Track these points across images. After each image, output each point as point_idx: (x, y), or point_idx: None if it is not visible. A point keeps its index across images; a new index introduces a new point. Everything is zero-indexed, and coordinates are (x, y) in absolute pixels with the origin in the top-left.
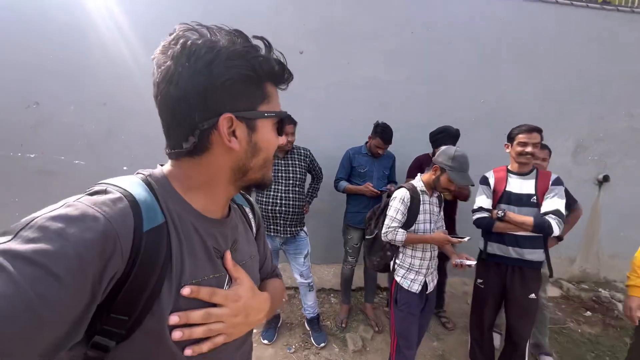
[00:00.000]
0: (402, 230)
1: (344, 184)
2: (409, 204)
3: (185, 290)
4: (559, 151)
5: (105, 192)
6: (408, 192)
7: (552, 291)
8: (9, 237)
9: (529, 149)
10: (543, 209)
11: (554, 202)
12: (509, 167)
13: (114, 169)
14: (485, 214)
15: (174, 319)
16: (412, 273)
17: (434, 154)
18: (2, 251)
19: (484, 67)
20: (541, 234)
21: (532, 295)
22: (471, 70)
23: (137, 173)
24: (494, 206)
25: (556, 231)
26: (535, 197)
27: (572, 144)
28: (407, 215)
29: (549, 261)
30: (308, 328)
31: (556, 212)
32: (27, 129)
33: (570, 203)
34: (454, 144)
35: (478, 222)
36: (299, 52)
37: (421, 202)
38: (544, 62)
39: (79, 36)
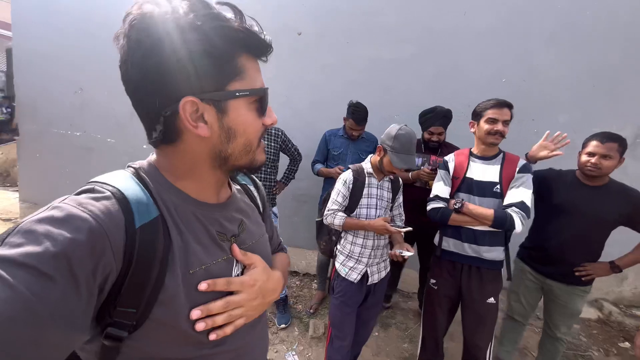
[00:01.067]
0: (342, 214)
1: (318, 166)
2: (351, 186)
3: (202, 286)
4: None
5: (92, 190)
6: (352, 173)
7: (586, 312)
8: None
9: (499, 126)
10: (506, 201)
11: (518, 193)
12: (472, 150)
13: (137, 146)
14: (441, 204)
15: (196, 313)
16: (351, 261)
17: (422, 137)
18: None
19: (509, 38)
20: (501, 230)
21: (491, 300)
22: (491, 43)
23: (128, 166)
24: (453, 195)
25: (518, 227)
26: (499, 186)
27: (630, 133)
28: (350, 198)
29: (508, 261)
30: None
31: (520, 205)
32: (75, 111)
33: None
34: (444, 125)
35: (432, 213)
36: (297, 34)
37: (366, 186)
38: (590, 30)
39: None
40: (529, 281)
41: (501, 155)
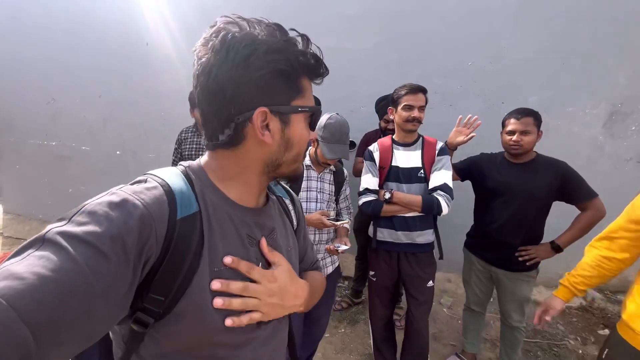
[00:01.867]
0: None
1: None
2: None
3: (227, 259)
4: (585, 121)
5: (145, 181)
6: None
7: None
8: (65, 222)
9: (414, 113)
10: (430, 184)
11: (440, 176)
12: (394, 138)
13: (110, 153)
14: (371, 197)
15: (216, 284)
16: None
17: (379, 126)
18: (59, 233)
19: (473, 20)
20: (430, 214)
21: (430, 283)
22: (455, 26)
23: (179, 165)
24: (381, 185)
25: (445, 210)
26: (422, 171)
27: (605, 111)
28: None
29: (439, 241)
30: None
31: (444, 187)
32: (49, 121)
33: (584, 195)
34: None
35: (364, 207)
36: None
37: (305, 179)
38: (556, 5)
39: (79, 36)
40: (478, 271)
41: (420, 139)
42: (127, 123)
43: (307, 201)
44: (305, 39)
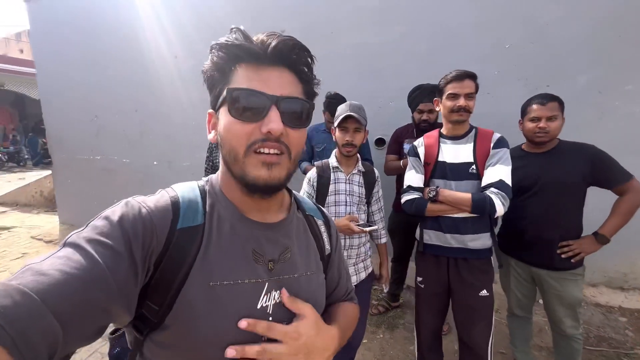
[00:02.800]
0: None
1: (304, 164)
2: (315, 184)
3: (242, 324)
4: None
5: (158, 193)
6: (315, 171)
7: (626, 300)
8: (83, 227)
9: (460, 101)
10: (483, 182)
11: (496, 171)
12: (441, 131)
13: (148, 163)
14: (415, 195)
15: (230, 352)
16: None
17: (413, 120)
18: (78, 236)
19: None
20: (483, 215)
21: (484, 292)
22: (488, 7)
23: (202, 179)
24: (427, 182)
25: (500, 210)
26: (474, 167)
27: None
28: (316, 196)
29: (496, 247)
30: None
31: (499, 184)
32: (93, 137)
33: (618, 177)
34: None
35: (406, 206)
36: (281, 32)
37: (332, 182)
38: None
39: (116, 55)
40: (517, 274)
41: (473, 131)
42: (161, 134)
43: (335, 205)
44: (234, 29)
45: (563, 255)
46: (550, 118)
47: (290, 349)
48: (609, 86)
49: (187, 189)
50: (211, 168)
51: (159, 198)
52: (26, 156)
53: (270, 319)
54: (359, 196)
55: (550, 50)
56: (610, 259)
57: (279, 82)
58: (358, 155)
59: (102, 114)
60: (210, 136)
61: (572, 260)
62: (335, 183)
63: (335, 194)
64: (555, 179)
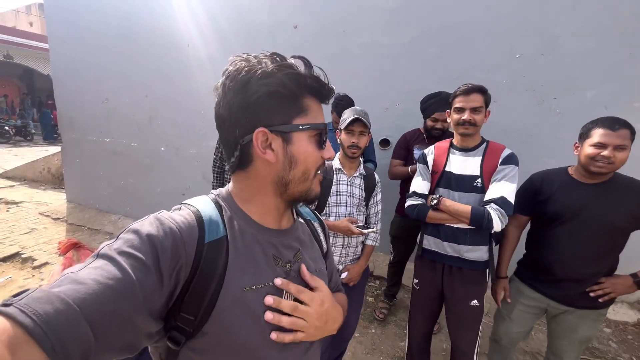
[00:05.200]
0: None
1: None
2: None
3: (277, 281)
4: None
5: (179, 209)
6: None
7: (624, 314)
8: (114, 239)
9: (465, 115)
10: (486, 196)
11: (499, 187)
12: (452, 141)
13: (155, 149)
14: (418, 201)
15: (268, 300)
16: None
17: (425, 126)
18: (110, 248)
19: (523, 8)
20: (480, 228)
21: (475, 302)
22: (501, 16)
23: (210, 193)
24: (433, 190)
25: (497, 226)
26: (480, 180)
27: None
28: (319, 197)
29: (492, 262)
30: None
31: (500, 201)
32: (103, 120)
33: None
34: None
35: (409, 210)
36: (293, 27)
37: (335, 183)
38: None
39: (129, 40)
40: (525, 305)
41: (484, 145)
42: (170, 121)
43: (336, 205)
44: (306, 62)
45: (592, 294)
46: (619, 147)
47: (315, 313)
48: (616, 102)
49: (204, 204)
50: (220, 160)
51: (184, 214)
52: (33, 130)
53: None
54: (359, 198)
55: (561, 63)
56: None
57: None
58: (361, 159)
59: (113, 98)
60: (269, 156)
61: (600, 300)
62: (337, 184)
63: (337, 195)
64: (601, 217)
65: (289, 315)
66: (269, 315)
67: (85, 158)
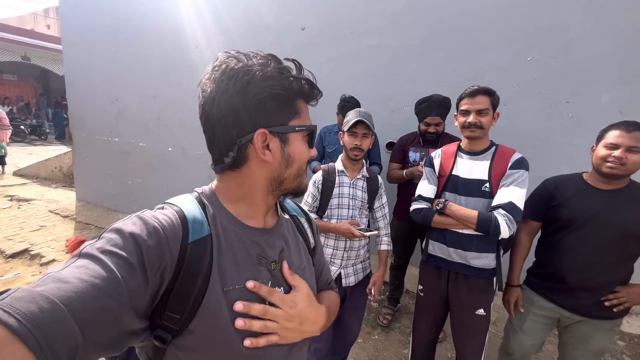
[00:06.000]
0: (312, 215)
1: (314, 164)
2: (320, 186)
3: (249, 284)
4: None
5: (163, 208)
6: (321, 173)
7: (627, 325)
8: (96, 239)
9: (470, 118)
10: (494, 201)
11: (508, 192)
12: (460, 144)
13: (163, 149)
14: (423, 205)
15: (238, 306)
16: None
17: (419, 129)
18: (93, 247)
19: (534, 10)
20: (487, 234)
21: (480, 311)
22: (511, 18)
23: (194, 191)
24: (439, 194)
25: (505, 232)
26: (488, 185)
27: None
28: (320, 199)
29: (499, 270)
30: None
31: (508, 206)
32: (113, 119)
33: None
34: (441, 115)
35: (413, 215)
36: (301, 29)
37: (337, 185)
38: None
39: (139, 42)
40: (537, 315)
41: (493, 149)
42: (178, 122)
43: (338, 208)
44: (298, 65)
45: (607, 303)
46: (632, 149)
47: (286, 315)
48: (632, 106)
49: (188, 203)
50: None
51: (167, 213)
52: (47, 130)
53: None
54: (362, 201)
55: (574, 66)
56: None
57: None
58: (363, 161)
59: (122, 98)
60: (267, 157)
61: (614, 310)
62: (339, 187)
63: (339, 197)
64: (617, 224)
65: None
66: (239, 323)
67: (95, 157)
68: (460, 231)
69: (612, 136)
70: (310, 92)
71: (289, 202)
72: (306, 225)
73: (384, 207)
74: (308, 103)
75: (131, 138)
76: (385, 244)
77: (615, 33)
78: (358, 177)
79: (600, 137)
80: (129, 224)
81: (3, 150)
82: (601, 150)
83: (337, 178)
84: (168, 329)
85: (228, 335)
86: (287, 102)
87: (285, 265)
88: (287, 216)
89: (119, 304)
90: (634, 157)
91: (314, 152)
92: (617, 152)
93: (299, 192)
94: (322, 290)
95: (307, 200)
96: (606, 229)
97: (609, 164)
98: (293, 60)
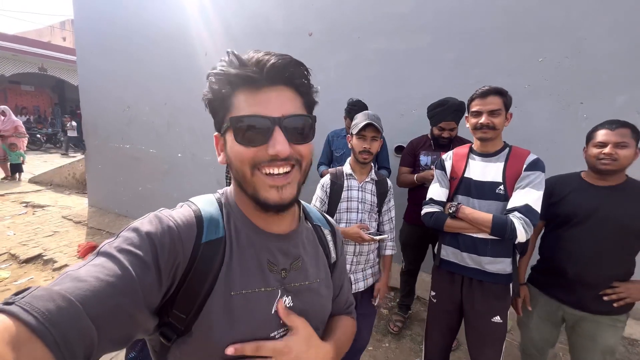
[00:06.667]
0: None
1: (322, 168)
2: (328, 190)
3: (229, 350)
4: None
5: (182, 207)
6: (329, 177)
7: (636, 329)
8: (114, 237)
9: (482, 119)
10: (509, 204)
11: (523, 195)
12: (472, 146)
13: (173, 155)
14: (435, 208)
15: (230, 350)
16: None
17: (431, 133)
18: (110, 246)
19: (545, 10)
20: (503, 238)
21: (497, 319)
22: (521, 19)
23: (216, 192)
24: (451, 198)
25: (521, 236)
26: (502, 187)
27: None
28: (329, 202)
29: (516, 276)
30: None
31: (524, 209)
32: (124, 126)
33: None
34: (456, 119)
35: (425, 219)
36: (308, 34)
37: (345, 189)
38: None
39: (150, 50)
40: (543, 311)
41: (507, 150)
42: (187, 128)
43: (347, 212)
44: (233, 54)
45: (606, 298)
46: (620, 144)
47: None
48: None
49: (207, 203)
50: None
51: (184, 212)
52: (62, 138)
53: (282, 321)
54: (371, 204)
55: (587, 66)
56: None
57: (279, 102)
58: (372, 164)
59: (134, 105)
60: (220, 159)
61: (614, 305)
62: (348, 190)
63: (348, 201)
64: (616, 218)
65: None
66: (229, 350)
67: (107, 163)
68: (475, 235)
69: (600, 135)
70: (246, 75)
71: (314, 211)
72: (329, 238)
73: (390, 211)
74: (253, 87)
75: (142, 144)
76: (390, 249)
77: (629, 31)
78: (367, 180)
79: (589, 138)
80: (146, 222)
81: (22, 158)
82: (592, 150)
83: (345, 182)
84: (173, 328)
85: (226, 343)
86: (222, 99)
87: (280, 305)
88: (309, 225)
89: (133, 302)
90: (623, 151)
91: (272, 149)
92: (607, 149)
93: (257, 202)
94: (340, 314)
95: (316, 205)
96: (604, 223)
97: (602, 161)
98: (231, 52)
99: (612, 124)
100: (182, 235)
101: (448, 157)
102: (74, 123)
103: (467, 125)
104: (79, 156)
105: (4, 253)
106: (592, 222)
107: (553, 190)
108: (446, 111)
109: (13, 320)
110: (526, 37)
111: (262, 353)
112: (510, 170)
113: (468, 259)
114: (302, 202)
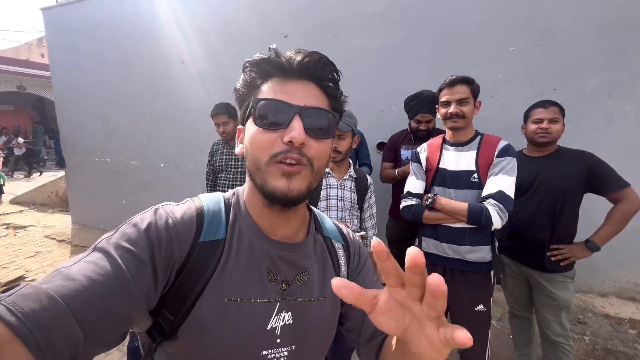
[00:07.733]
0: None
1: None
2: None
3: None
4: None
5: (186, 202)
6: None
7: (637, 312)
8: (113, 232)
9: (451, 108)
10: (483, 192)
11: (496, 181)
12: (445, 137)
13: (155, 166)
14: (413, 201)
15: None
16: None
17: (409, 126)
18: (107, 242)
19: (514, 0)
20: (479, 226)
21: (480, 307)
22: (492, 10)
23: (228, 191)
24: (428, 189)
25: (497, 223)
26: (476, 175)
27: None
28: (308, 200)
29: (495, 262)
30: None
31: (498, 195)
32: (104, 140)
33: (613, 185)
34: (432, 111)
35: (404, 212)
36: (284, 37)
37: (324, 187)
38: None
39: (127, 61)
40: (513, 273)
41: (478, 138)
42: (169, 138)
43: (327, 210)
44: (271, 49)
45: (553, 258)
46: (553, 120)
47: None
48: (619, 90)
49: (212, 202)
50: (212, 172)
51: (185, 209)
52: (45, 157)
53: (278, 340)
54: (351, 202)
55: (557, 53)
56: (622, 268)
57: (304, 94)
58: (350, 161)
59: (112, 118)
60: (238, 149)
61: (561, 264)
62: (327, 188)
63: (327, 199)
64: (552, 182)
65: None
66: None
67: (88, 179)
68: (453, 225)
69: (536, 113)
70: (271, 64)
71: (328, 222)
72: (340, 252)
73: (371, 208)
74: (283, 77)
75: (123, 157)
76: (368, 236)
77: (598, 17)
78: (345, 177)
79: (526, 117)
80: (147, 217)
81: (1, 180)
82: (531, 126)
83: (324, 180)
84: (160, 329)
85: (215, 352)
86: (249, 88)
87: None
88: (319, 236)
89: (126, 303)
90: (555, 126)
91: (287, 136)
92: (543, 124)
93: (265, 193)
94: (370, 343)
95: None
96: (544, 186)
97: (540, 134)
98: (272, 48)
99: (545, 104)
100: (180, 233)
101: (422, 150)
102: (20, 140)
103: (438, 115)
104: (62, 173)
105: None
106: (535, 188)
107: None
108: (421, 103)
109: None
110: (497, 28)
111: None
112: (483, 157)
113: (448, 250)
114: (314, 209)
